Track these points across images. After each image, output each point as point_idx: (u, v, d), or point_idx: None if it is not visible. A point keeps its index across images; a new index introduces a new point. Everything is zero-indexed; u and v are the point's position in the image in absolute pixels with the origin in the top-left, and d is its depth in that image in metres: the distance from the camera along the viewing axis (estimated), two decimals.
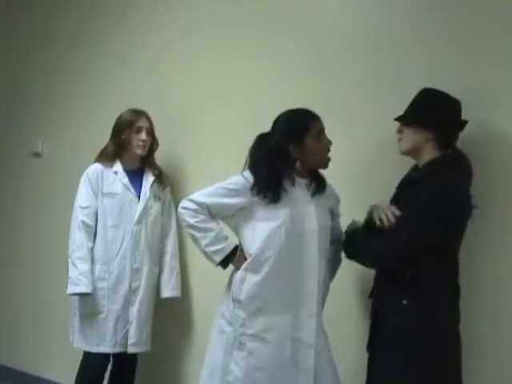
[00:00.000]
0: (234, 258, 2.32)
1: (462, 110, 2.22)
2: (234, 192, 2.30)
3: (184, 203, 2.36)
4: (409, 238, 2.11)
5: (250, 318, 2.26)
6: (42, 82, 4.14)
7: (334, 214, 2.45)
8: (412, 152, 2.25)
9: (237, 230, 2.36)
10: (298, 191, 2.32)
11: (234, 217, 2.33)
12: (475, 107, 2.30)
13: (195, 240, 2.37)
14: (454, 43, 2.46)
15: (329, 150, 2.34)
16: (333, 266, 2.46)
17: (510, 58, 2.33)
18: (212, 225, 2.33)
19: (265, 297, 2.26)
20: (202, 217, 2.32)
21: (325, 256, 2.35)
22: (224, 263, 2.34)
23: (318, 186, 2.37)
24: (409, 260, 2.13)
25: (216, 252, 2.32)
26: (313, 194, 2.35)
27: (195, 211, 2.32)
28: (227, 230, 2.39)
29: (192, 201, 2.34)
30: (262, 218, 2.28)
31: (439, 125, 2.18)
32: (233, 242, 2.35)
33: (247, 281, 2.27)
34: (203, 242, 2.33)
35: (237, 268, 2.32)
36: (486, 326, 2.33)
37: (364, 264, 2.32)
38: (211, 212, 2.32)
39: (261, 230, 2.27)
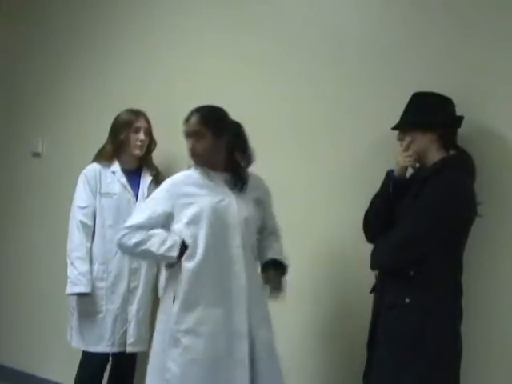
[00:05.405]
0: (185, 251, 2.32)
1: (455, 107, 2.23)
2: (159, 201, 2.38)
3: (118, 235, 2.40)
4: (405, 237, 2.12)
5: (183, 313, 2.29)
6: (43, 82, 4.15)
7: (263, 205, 2.47)
8: (419, 158, 2.24)
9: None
10: (215, 185, 2.37)
11: (168, 225, 2.37)
12: (470, 107, 2.30)
13: (145, 253, 2.38)
14: (449, 45, 2.45)
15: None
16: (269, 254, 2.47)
17: (504, 60, 2.32)
18: (151, 231, 2.35)
19: (197, 288, 2.28)
20: (139, 232, 2.35)
21: (251, 247, 2.39)
22: (180, 257, 2.34)
23: (238, 179, 2.40)
24: (407, 260, 2.13)
25: (170, 248, 2.32)
26: (232, 188, 2.38)
27: (129, 233, 2.36)
28: None
29: (124, 228, 2.39)
30: (184, 209, 2.33)
31: (441, 123, 2.19)
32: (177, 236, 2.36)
33: (183, 269, 2.31)
34: (153, 248, 2.33)
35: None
36: (488, 326, 2.32)
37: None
38: (145, 228, 2.36)
39: (186, 217, 2.32)
